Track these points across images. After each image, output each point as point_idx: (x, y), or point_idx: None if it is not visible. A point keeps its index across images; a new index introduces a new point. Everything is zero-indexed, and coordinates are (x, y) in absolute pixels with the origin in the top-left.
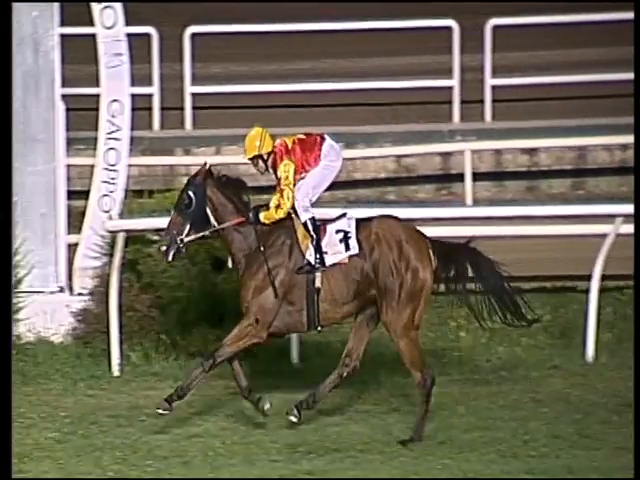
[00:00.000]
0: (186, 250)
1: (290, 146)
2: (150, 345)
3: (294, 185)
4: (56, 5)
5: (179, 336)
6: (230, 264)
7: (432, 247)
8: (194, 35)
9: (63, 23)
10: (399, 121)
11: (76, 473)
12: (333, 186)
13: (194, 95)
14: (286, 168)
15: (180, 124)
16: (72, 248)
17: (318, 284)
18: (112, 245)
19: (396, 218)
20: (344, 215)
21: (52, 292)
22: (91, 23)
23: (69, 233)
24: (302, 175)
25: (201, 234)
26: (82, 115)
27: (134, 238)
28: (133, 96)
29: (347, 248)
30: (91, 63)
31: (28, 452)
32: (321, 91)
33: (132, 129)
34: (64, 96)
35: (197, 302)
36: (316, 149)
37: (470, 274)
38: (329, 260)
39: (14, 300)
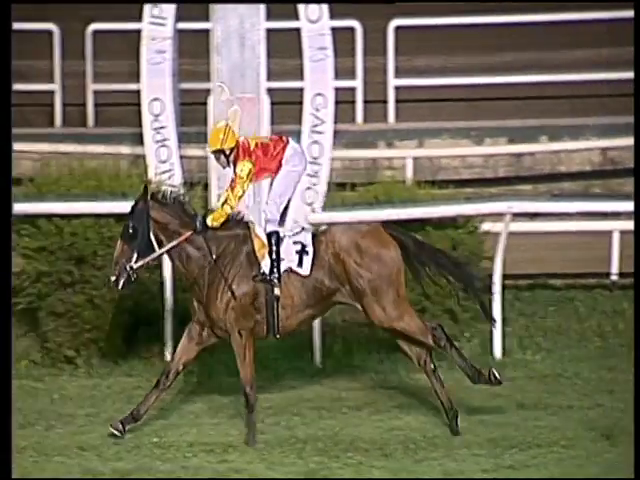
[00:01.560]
0: (137, 277)
1: (252, 148)
2: (352, 338)
3: (247, 185)
4: None
5: (381, 330)
6: (187, 283)
7: (388, 230)
8: (398, 28)
9: (269, 17)
10: (605, 113)
11: (279, 464)
12: (537, 179)
13: (397, 88)
14: (242, 166)
15: (383, 117)
16: None
17: (277, 292)
18: None
19: (349, 224)
20: (302, 229)
21: None
22: (296, 17)
23: None
24: (260, 180)
25: (150, 257)
26: (286, 108)
27: None
28: (336, 89)
29: (300, 264)
30: (295, 57)
31: (232, 442)
32: (521, 84)
33: (335, 122)
34: (269, 89)
35: None
36: (278, 155)
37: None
38: (284, 266)
39: None
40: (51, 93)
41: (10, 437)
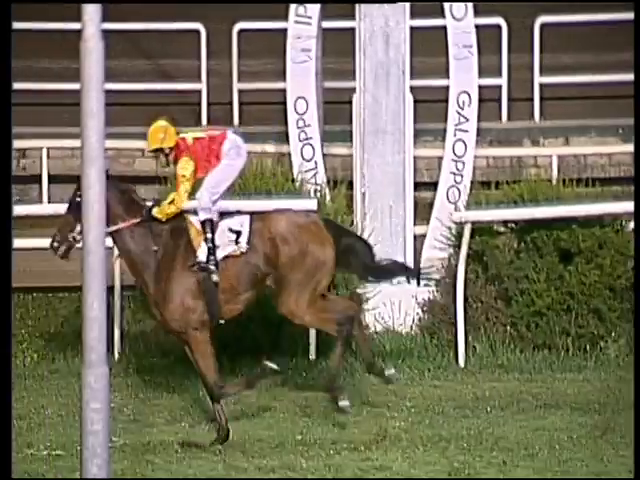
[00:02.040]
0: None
1: (190, 143)
2: (496, 336)
3: (191, 182)
4: None
5: (525, 328)
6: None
7: (329, 228)
8: (544, 25)
9: (413, 15)
10: None
11: (422, 463)
12: None
13: (543, 85)
14: (184, 164)
15: (528, 115)
16: (419, 239)
17: (215, 278)
18: (458, 236)
19: (291, 211)
20: (238, 213)
21: (399, 282)
22: (441, 15)
23: (416, 224)
24: (201, 176)
25: None
26: (429, 107)
27: (480, 229)
28: (481, 87)
29: (237, 245)
30: (440, 55)
31: (375, 440)
32: None
33: (480, 120)
34: (413, 88)
35: (544, 294)
36: (216, 148)
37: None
38: (220, 254)
39: (363, 290)
40: (197, 92)
41: (10, 437)
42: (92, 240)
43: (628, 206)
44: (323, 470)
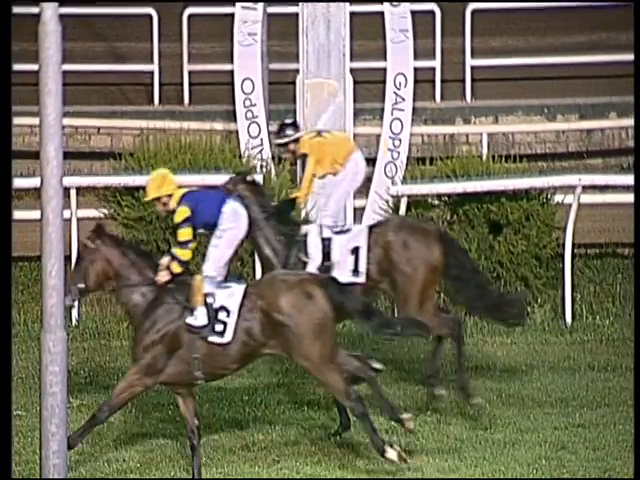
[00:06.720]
0: None
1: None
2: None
3: None
4: None
5: None
6: None
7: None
8: (474, 11)
9: (353, 0)
10: None
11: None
12: (607, 154)
13: (473, 68)
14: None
15: (460, 95)
16: (359, 211)
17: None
18: (395, 209)
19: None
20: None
21: None
22: (379, 0)
23: (356, 197)
24: None
25: None
26: (368, 87)
27: (416, 202)
28: (416, 69)
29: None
30: (378, 39)
31: (317, 400)
32: (591, 63)
33: (415, 100)
34: (352, 70)
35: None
36: None
37: None
38: None
39: None
40: (150, 73)
41: (10, 437)
42: (50, 211)
43: (553, 180)
44: (268, 426)
